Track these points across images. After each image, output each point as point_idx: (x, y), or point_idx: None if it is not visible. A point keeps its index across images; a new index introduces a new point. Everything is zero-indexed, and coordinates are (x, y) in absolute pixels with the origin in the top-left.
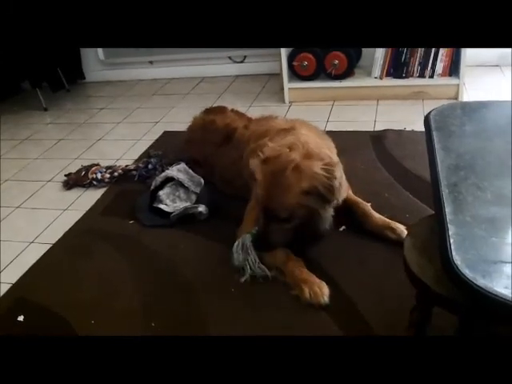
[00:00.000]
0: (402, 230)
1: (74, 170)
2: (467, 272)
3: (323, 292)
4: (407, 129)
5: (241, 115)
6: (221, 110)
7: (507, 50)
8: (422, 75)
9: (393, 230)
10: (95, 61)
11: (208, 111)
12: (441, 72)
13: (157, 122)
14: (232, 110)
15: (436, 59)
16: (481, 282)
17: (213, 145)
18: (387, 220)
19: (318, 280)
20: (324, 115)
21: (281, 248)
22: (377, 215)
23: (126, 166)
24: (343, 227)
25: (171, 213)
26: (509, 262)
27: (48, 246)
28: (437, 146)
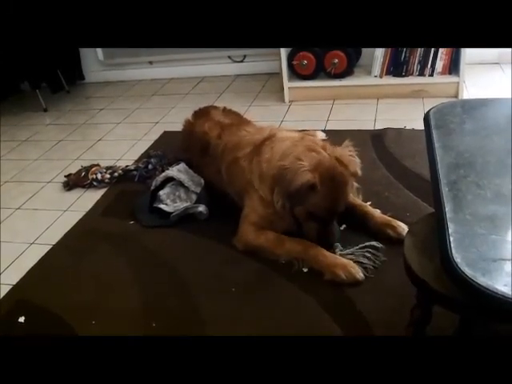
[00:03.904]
0: (404, 228)
1: (73, 171)
2: (467, 270)
3: (356, 270)
4: (407, 127)
5: (220, 120)
6: (205, 112)
7: (507, 48)
8: (421, 73)
9: (394, 228)
10: (95, 61)
11: (196, 114)
12: (440, 70)
13: (157, 123)
14: (224, 110)
15: (436, 57)
16: (481, 279)
17: (195, 154)
18: (388, 218)
19: (345, 260)
20: (324, 114)
21: (292, 238)
22: (377, 214)
23: (126, 166)
24: (344, 226)
25: (171, 213)
26: (509, 260)
27: (48, 247)
28: (436, 144)
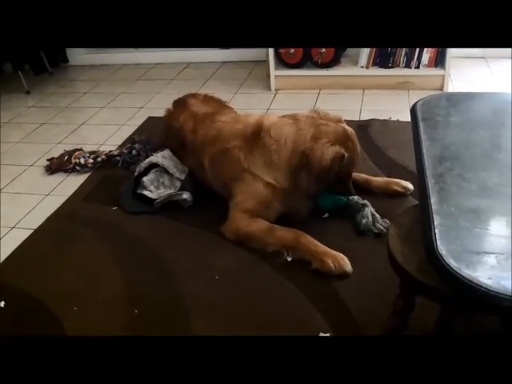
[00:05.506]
0: (407, 183)
1: (56, 155)
2: (452, 262)
3: (346, 261)
4: (392, 118)
5: (196, 111)
6: (183, 102)
7: None
8: (408, 65)
9: (399, 184)
10: None
11: (175, 103)
12: (427, 63)
13: (141, 108)
14: (204, 97)
15: (422, 50)
16: (465, 272)
17: (174, 146)
18: (389, 178)
19: (335, 251)
20: (310, 103)
21: (283, 227)
22: (378, 177)
23: (110, 151)
24: (326, 214)
25: (155, 199)
26: (492, 253)
27: (29, 232)
28: (423, 136)
